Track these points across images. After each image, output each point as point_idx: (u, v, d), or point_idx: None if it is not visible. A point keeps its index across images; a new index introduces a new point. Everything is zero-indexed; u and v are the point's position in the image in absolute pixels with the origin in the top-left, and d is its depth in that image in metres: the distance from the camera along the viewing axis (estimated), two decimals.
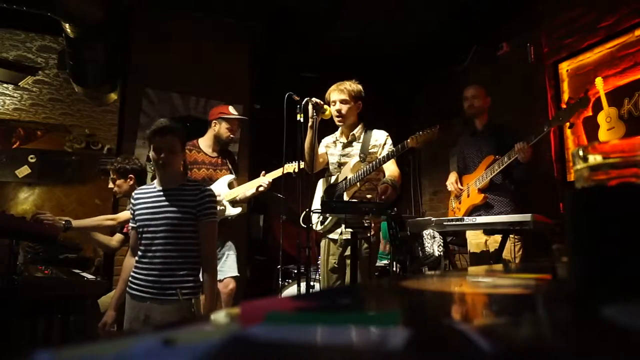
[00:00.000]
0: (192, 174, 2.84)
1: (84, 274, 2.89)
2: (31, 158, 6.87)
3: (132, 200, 2.14)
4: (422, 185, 5.10)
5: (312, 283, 2.45)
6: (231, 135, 2.99)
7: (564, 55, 3.32)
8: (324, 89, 2.62)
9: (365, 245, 2.41)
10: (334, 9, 3.88)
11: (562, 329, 0.34)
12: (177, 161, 2.06)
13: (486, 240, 2.74)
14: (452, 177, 2.96)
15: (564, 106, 2.68)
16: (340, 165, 2.61)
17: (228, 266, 2.85)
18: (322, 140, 2.74)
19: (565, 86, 3.30)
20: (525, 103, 3.59)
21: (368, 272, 2.41)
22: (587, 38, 3.15)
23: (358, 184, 2.47)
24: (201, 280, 2.06)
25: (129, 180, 2.75)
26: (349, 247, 2.27)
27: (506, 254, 2.44)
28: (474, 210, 2.74)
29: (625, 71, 2.88)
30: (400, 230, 1.91)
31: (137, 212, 2.07)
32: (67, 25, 3.31)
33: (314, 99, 2.37)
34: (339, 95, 2.54)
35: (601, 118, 2.98)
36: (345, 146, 2.63)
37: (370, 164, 2.41)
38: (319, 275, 2.68)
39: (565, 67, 3.31)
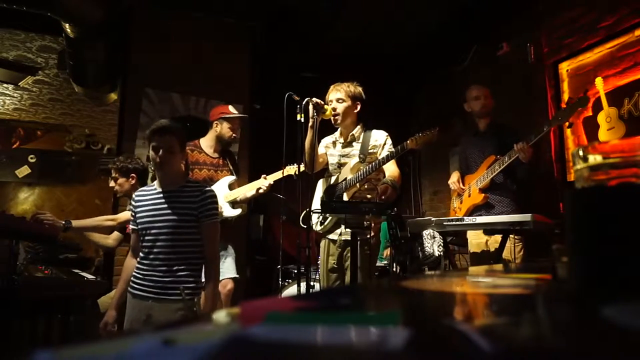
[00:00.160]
0: (193, 174, 2.84)
1: (84, 274, 2.89)
2: (31, 158, 6.87)
3: (133, 202, 2.14)
4: (422, 185, 5.10)
5: (312, 283, 2.45)
6: (233, 135, 3.00)
7: (564, 55, 3.32)
8: (324, 89, 2.62)
9: (365, 246, 2.41)
10: (334, 9, 3.88)
11: (562, 329, 0.34)
12: (175, 161, 2.05)
13: (487, 241, 2.73)
14: (454, 176, 2.96)
15: (564, 106, 2.68)
16: (340, 165, 2.61)
17: (226, 267, 2.85)
18: (322, 141, 2.74)
19: (565, 86, 3.30)
20: (525, 103, 3.59)
21: (368, 272, 2.41)
22: (587, 38, 3.15)
23: (358, 184, 2.47)
24: (202, 280, 2.06)
25: (130, 179, 2.76)
26: (349, 248, 2.27)
27: (507, 254, 2.44)
28: (474, 210, 2.74)
29: (625, 71, 2.88)
30: (400, 230, 1.91)
31: (137, 214, 2.07)
32: (67, 25, 3.31)
33: (314, 99, 2.37)
34: (335, 95, 2.55)
35: (601, 118, 2.98)
36: (344, 146, 2.62)
37: (370, 165, 2.41)
38: (319, 275, 2.67)
39: (565, 67, 3.31)
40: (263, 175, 2.91)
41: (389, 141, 2.58)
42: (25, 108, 6.18)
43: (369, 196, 2.48)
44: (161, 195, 2.04)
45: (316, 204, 2.61)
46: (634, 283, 0.39)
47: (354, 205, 2.13)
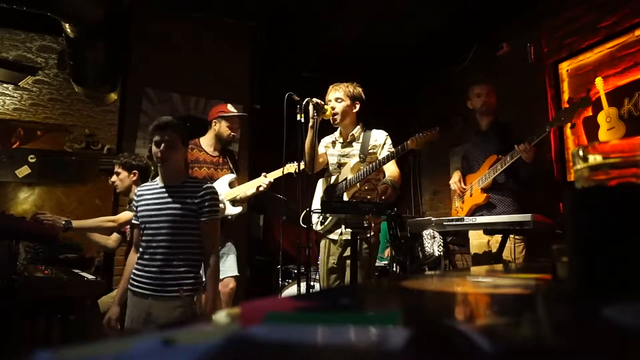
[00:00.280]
0: (193, 172, 2.84)
1: (84, 274, 2.89)
2: (31, 158, 6.87)
3: (135, 197, 2.15)
4: (422, 185, 5.10)
5: (312, 283, 2.45)
6: (232, 134, 2.99)
7: (564, 55, 3.32)
8: (324, 89, 2.62)
9: (365, 246, 2.41)
10: (334, 9, 3.88)
11: (562, 329, 0.34)
12: (177, 157, 2.05)
13: (488, 241, 2.72)
14: (456, 176, 2.95)
15: (565, 106, 2.67)
16: (340, 165, 2.61)
17: (228, 266, 2.85)
18: (321, 141, 2.74)
19: (565, 86, 3.30)
20: (525, 103, 3.59)
21: (368, 273, 2.41)
22: (587, 38, 3.15)
23: (358, 184, 2.47)
24: (202, 277, 2.06)
25: (132, 175, 2.77)
26: (349, 248, 2.27)
27: (507, 254, 2.43)
28: (476, 210, 2.73)
29: (625, 71, 2.88)
30: (400, 230, 1.91)
31: (139, 209, 2.08)
32: (67, 25, 3.31)
33: (314, 99, 2.37)
34: (334, 94, 2.56)
35: (601, 118, 2.98)
36: (344, 146, 2.62)
37: (370, 165, 2.41)
38: (319, 275, 2.68)
39: (565, 67, 3.31)
40: (263, 174, 2.91)
41: (389, 141, 2.58)
42: (25, 108, 6.18)
43: (369, 196, 2.48)
44: (163, 189, 2.05)
45: (316, 203, 2.61)
46: (634, 283, 0.39)
47: (354, 205, 2.13)
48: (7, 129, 6.75)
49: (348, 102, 2.54)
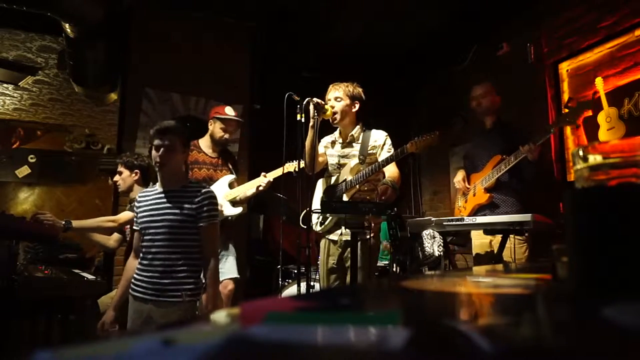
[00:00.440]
0: (192, 173, 2.84)
1: (84, 274, 2.89)
2: (31, 158, 6.86)
3: (136, 203, 2.15)
4: (422, 185, 5.10)
5: (312, 283, 2.45)
6: (225, 136, 2.97)
7: (564, 55, 3.32)
8: (324, 89, 2.62)
9: (365, 246, 2.41)
10: (334, 9, 3.88)
11: (562, 329, 0.34)
12: (176, 161, 2.05)
13: (491, 241, 2.72)
14: (460, 175, 2.95)
15: (569, 107, 2.66)
16: (340, 166, 2.61)
17: (227, 268, 2.85)
18: (321, 140, 2.74)
19: (565, 86, 3.30)
20: (525, 103, 3.59)
21: (368, 273, 2.41)
22: (587, 38, 3.14)
23: (357, 186, 2.47)
24: (202, 281, 2.06)
25: (134, 175, 2.77)
26: (349, 248, 2.27)
27: (508, 254, 2.43)
28: (479, 210, 2.73)
29: (625, 71, 2.88)
30: (400, 230, 1.91)
31: (139, 214, 2.08)
32: (67, 25, 3.31)
33: (315, 99, 2.36)
34: (334, 93, 2.56)
35: (601, 118, 2.98)
36: (344, 147, 2.62)
37: (370, 167, 2.41)
38: (319, 275, 2.68)
39: (565, 67, 3.31)
40: (263, 173, 2.91)
41: (389, 141, 2.58)
42: (25, 108, 6.18)
43: (368, 197, 2.48)
44: (162, 195, 2.05)
45: (316, 204, 2.61)
46: (634, 283, 0.39)
47: (354, 206, 2.13)
48: (7, 129, 6.75)
49: (348, 101, 2.54)
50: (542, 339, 0.31)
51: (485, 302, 0.53)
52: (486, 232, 2.49)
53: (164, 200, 2.03)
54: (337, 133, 2.69)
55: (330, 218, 2.49)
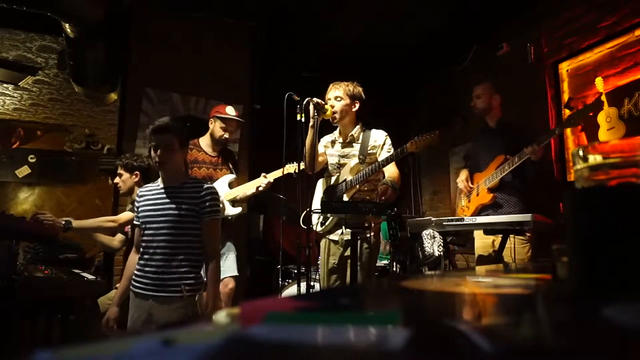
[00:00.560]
0: (192, 172, 2.84)
1: (84, 274, 2.89)
2: (31, 158, 6.87)
3: (137, 198, 2.16)
4: (422, 185, 5.09)
5: (312, 283, 2.45)
6: (225, 135, 2.97)
7: (564, 55, 3.32)
8: (324, 89, 2.62)
9: (366, 246, 2.41)
10: (334, 9, 3.88)
11: (562, 329, 0.34)
12: (175, 159, 2.06)
13: (493, 241, 2.71)
14: (463, 174, 2.95)
15: (576, 109, 2.66)
16: (340, 166, 2.61)
17: (227, 266, 2.85)
18: (321, 140, 2.74)
19: (565, 86, 3.30)
20: (525, 103, 3.59)
21: (368, 273, 2.41)
22: (587, 38, 3.14)
23: (358, 185, 2.47)
24: (203, 277, 2.06)
25: (134, 176, 2.77)
26: (349, 248, 2.27)
27: (508, 254, 2.43)
28: (482, 210, 2.73)
29: (625, 71, 2.88)
30: (400, 230, 1.91)
31: (140, 209, 2.09)
32: (67, 25, 3.31)
33: (315, 99, 2.37)
34: (334, 93, 2.56)
35: (601, 118, 2.98)
36: (344, 147, 2.62)
37: (370, 167, 2.41)
38: (319, 275, 2.67)
39: (565, 67, 3.31)
40: (263, 174, 2.91)
41: (389, 141, 2.58)
42: (25, 108, 6.18)
43: (368, 197, 2.48)
44: (163, 190, 2.06)
45: (316, 203, 2.61)
46: (634, 283, 0.39)
47: (354, 206, 2.13)
48: (7, 129, 6.75)
49: (347, 101, 2.54)
50: (542, 339, 0.31)
51: (486, 302, 0.53)
52: (486, 232, 2.48)
53: (165, 195, 2.04)
54: (336, 132, 2.69)
55: (330, 218, 2.49)
